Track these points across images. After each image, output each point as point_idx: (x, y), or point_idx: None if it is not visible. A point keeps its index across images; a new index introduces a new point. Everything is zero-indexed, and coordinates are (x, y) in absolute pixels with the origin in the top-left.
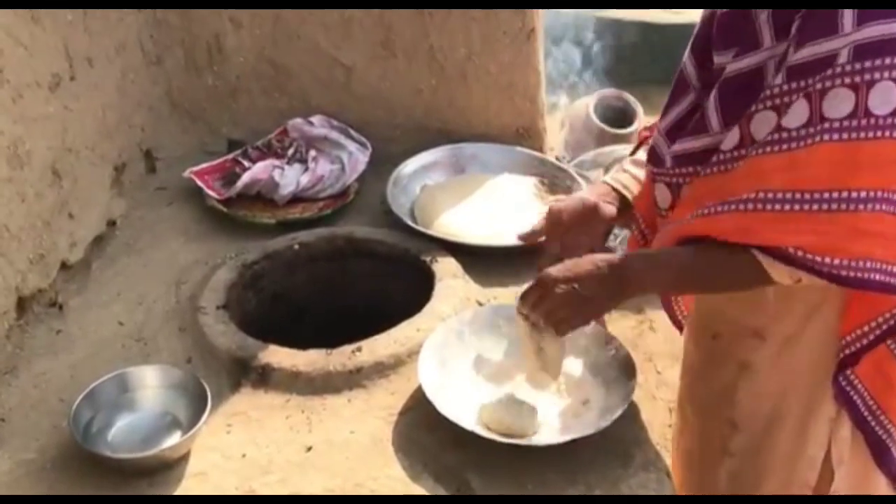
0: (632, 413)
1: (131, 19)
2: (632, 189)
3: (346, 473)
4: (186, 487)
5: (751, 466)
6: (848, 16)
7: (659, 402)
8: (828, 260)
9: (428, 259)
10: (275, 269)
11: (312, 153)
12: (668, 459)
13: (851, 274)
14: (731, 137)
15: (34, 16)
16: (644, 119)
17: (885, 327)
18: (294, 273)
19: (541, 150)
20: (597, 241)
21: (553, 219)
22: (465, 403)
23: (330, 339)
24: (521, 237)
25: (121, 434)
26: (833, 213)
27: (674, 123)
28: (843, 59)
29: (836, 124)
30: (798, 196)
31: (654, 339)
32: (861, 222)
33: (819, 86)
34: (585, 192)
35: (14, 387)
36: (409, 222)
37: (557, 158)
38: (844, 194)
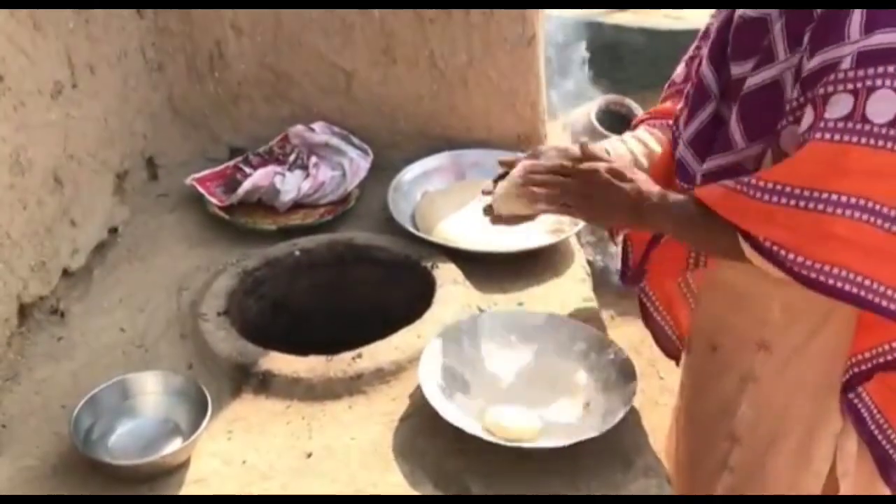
0: (634, 418)
1: (133, 27)
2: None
3: (346, 479)
4: (187, 494)
5: (750, 482)
6: (856, 24)
7: (662, 408)
8: (791, 257)
9: (429, 265)
10: (276, 276)
11: (313, 159)
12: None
13: (821, 278)
14: (766, 161)
15: (36, 23)
16: None
17: None
18: (295, 279)
19: None
20: None
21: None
22: (467, 409)
23: (330, 345)
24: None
25: (121, 440)
26: (806, 212)
27: (696, 134)
28: (846, 64)
29: (831, 124)
30: (780, 188)
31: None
32: (833, 226)
33: (822, 91)
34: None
35: (15, 393)
36: (410, 228)
37: None
38: (823, 195)
